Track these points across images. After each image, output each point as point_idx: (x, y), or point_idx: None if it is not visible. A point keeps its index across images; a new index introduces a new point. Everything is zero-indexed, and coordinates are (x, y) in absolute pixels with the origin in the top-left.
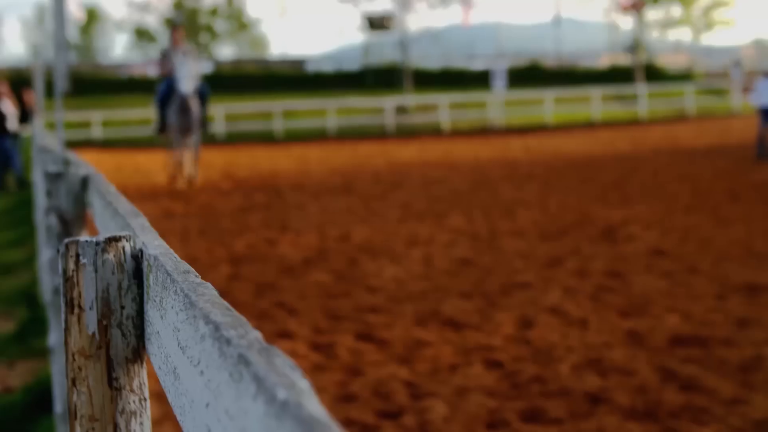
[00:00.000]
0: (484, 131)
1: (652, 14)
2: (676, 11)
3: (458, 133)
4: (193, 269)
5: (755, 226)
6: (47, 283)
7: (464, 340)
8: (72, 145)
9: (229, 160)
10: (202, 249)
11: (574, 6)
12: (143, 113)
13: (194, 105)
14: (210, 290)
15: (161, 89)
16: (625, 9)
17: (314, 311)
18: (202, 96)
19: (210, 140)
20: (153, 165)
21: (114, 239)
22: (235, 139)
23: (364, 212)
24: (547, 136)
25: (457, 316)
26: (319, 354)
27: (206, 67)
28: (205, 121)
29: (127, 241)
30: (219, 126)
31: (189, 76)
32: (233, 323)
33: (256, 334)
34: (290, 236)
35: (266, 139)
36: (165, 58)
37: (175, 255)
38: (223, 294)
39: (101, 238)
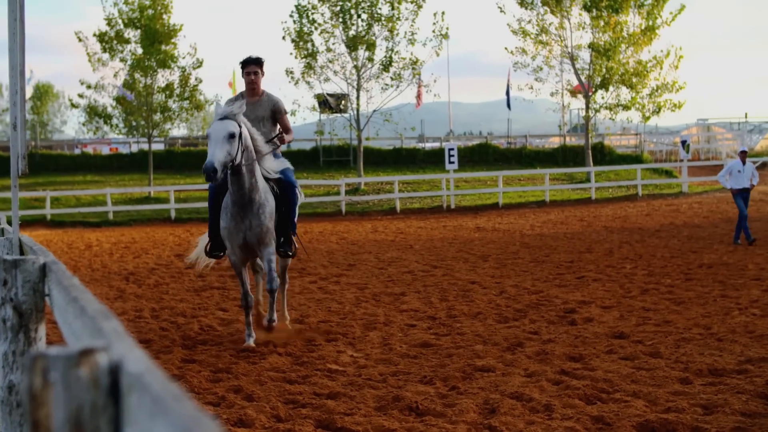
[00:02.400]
0: (436, 210)
1: (601, 96)
2: (625, 94)
3: (411, 213)
4: (185, 394)
5: (711, 308)
6: (0, 379)
7: (427, 427)
8: (23, 222)
9: (183, 239)
10: (156, 331)
11: (524, 87)
12: (95, 192)
13: (261, 204)
14: (213, 426)
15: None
16: (575, 92)
17: (272, 397)
18: (288, 191)
19: (165, 219)
20: (104, 244)
21: (88, 352)
22: (187, 219)
23: (319, 294)
24: (499, 216)
25: (419, 401)
26: None
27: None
28: (289, 233)
29: (102, 353)
30: (171, 205)
31: (221, 138)
32: None
33: None
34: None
35: None
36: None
37: (160, 372)
38: (177, 379)
39: (73, 351)
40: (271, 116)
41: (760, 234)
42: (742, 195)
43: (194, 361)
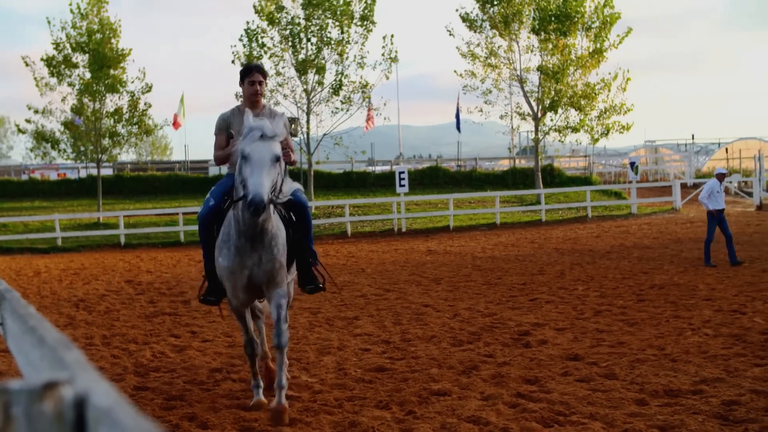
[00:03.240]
0: (387, 234)
1: (550, 118)
2: (573, 116)
3: (362, 236)
4: (159, 428)
5: (664, 329)
6: None
7: None
8: None
9: (133, 264)
10: (107, 358)
11: (474, 110)
12: (43, 218)
13: (274, 235)
14: None
15: (211, 197)
16: (537, 118)
17: (227, 425)
18: (301, 212)
19: (115, 245)
20: (53, 270)
21: (51, 385)
22: (137, 244)
23: (271, 319)
24: (450, 238)
25: (376, 426)
26: None
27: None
28: (309, 263)
29: (66, 386)
30: (120, 231)
31: (267, 163)
32: None
33: None
34: (198, 343)
35: (169, 243)
36: (228, 129)
37: (129, 405)
38: None
39: (36, 384)
40: None
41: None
42: (720, 216)
43: (147, 388)
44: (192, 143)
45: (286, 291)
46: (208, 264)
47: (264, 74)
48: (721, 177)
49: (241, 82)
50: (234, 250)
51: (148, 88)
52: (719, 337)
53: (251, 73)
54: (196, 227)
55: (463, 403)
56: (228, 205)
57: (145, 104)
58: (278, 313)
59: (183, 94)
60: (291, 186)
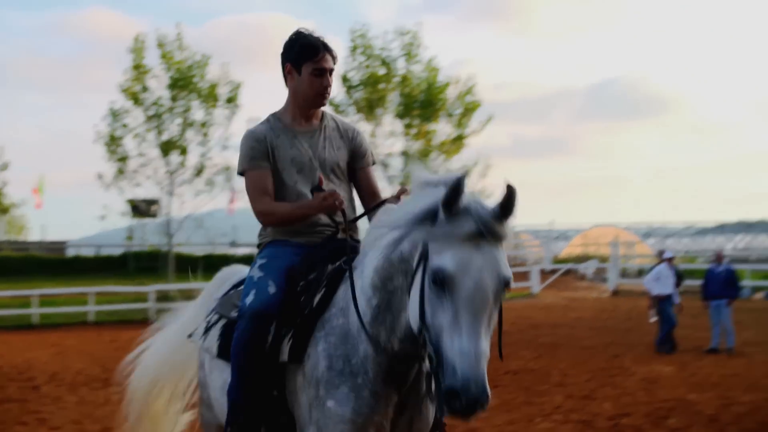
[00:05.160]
0: None
1: None
2: None
3: None
4: None
5: (515, 415)
6: None
7: None
8: None
9: None
10: None
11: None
12: None
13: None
14: None
15: (268, 278)
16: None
17: None
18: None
19: None
20: None
21: None
22: None
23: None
24: None
25: None
26: None
27: None
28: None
29: None
30: None
31: (490, 301)
32: None
33: None
34: (45, 431)
35: (22, 326)
36: (270, 158)
37: None
38: None
39: None
40: (348, 161)
41: (564, 340)
42: (670, 301)
43: None
44: (50, 223)
45: None
46: (245, 397)
47: (336, 58)
48: (670, 261)
49: (296, 69)
50: (370, 397)
51: (5, 167)
52: (568, 423)
53: (318, 54)
54: (50, 310)
55: None
56: (319, 306)
57: (1, 182)
58: None
59: (43, 176)
60: None
